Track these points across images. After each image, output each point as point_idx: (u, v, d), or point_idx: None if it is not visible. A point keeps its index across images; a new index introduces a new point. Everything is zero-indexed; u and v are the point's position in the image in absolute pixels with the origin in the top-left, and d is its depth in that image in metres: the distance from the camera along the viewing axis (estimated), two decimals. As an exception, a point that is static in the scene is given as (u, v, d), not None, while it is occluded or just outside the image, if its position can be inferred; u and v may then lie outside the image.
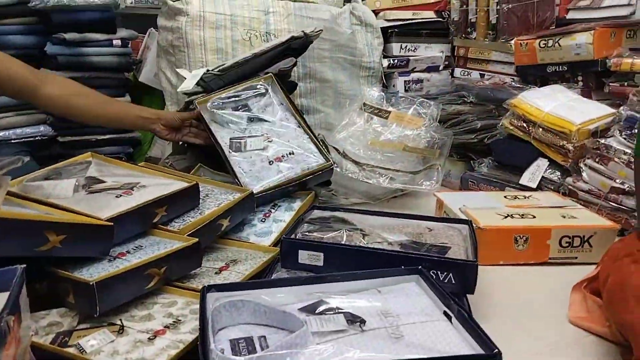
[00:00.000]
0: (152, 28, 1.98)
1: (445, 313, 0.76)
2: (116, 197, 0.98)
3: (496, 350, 0.65)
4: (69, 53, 1.69)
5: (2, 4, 1.62)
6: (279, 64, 1.47)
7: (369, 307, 0.78)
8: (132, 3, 2.09)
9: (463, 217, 1.24)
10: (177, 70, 1.60)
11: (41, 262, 0.82)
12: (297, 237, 1.04)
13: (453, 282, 0.93)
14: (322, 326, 0.71)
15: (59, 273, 0.80)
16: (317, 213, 1.20)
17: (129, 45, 1.84)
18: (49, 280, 0.82)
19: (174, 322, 0.81)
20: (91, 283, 0.76)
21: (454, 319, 0.75)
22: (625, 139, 1.37)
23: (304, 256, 0.99)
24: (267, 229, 1.20)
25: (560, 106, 1.54)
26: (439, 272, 0.93)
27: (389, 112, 1.63)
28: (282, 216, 1.24)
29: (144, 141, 1.90)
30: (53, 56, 1.67)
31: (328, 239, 1.04)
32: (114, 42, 1.77)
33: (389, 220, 1.17)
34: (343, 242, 1.02)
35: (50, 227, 0.75)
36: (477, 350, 0.68)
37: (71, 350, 0.73)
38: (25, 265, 0.65)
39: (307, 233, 1.07)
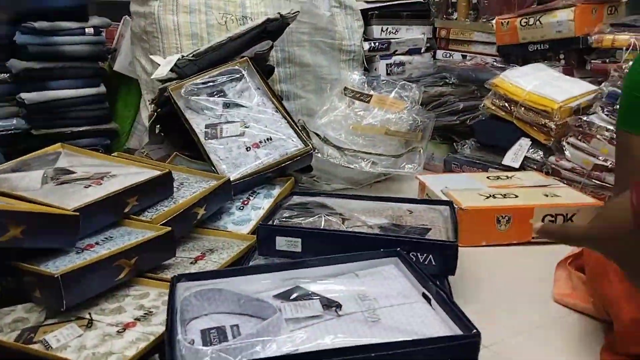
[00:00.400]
0: (126, 16, 1.92)
1: (423, 295, 0.75)
2: (85, 187, 0.95)
3: (475, 331, 0.63)
4: (39, 42, 1.64)
5: (-35, -8, 1.57)
6: (254, 47, 1.43)
7: (346, 291, 0.75)
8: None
9: (445, 199, 1.22)
10: (151, 57, 1.56)
11: (5, 256, 0.78)
12: (275, 224, 1.01)
13: (433, 263, 0.91)
14: (297, 312, 0.69)
15: (23, 267, 0.77)
16: (296, 199, 1.18)
17: (103, 34, 1.79)
18: (14, 275, 0.79)
19: (145, 314, 0.78)
20: (56, 276, 0.73)
21: (432, 301, 0.73)
22: (607, 115, 1.36)
23: (282, 242, 0.96)
24: (245, 217, 1.17)
25: (542, 84, 1.52)
26: (418, 254, 0.91)
27: (371, 96, 1.60)
28: (261, 203, 1.22)
29: (121, 132, 1.85)
30: (23, 46, 1.62)
31: (306, 224, 1.01)
32: (87, 30, 1.72)
33: (370, 203, 1.14)
34: (322, 227, 1.00)
35: (6, 217, 0.71)
36: (455, 331, 0.66)
37: (36, 346, 0.71)
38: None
39: (285, 219, 1.04)
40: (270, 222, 1.02)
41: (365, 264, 0.83)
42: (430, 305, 0.73)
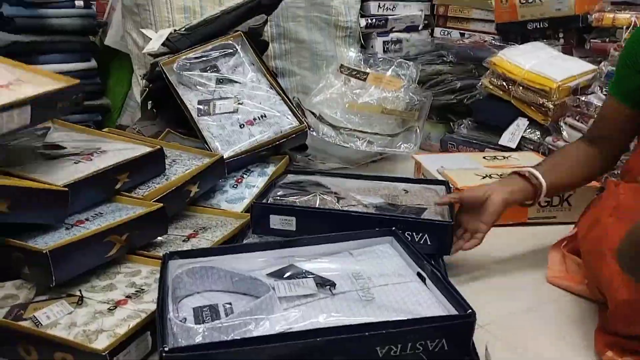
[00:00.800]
0: (117, -12, 1.87)
1: (418, 274, 0.74)
2: (75, 163, 0.93)
3: (470, 310, 0.62)
4: (27, 15, 1.59)
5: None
6: (249, 21, 1.40)
7: (340, 270, 0.75)
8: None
9: (441, 178, 1.21)
10: (142, 30, 1.52)
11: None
12: (269, 202, 1.00)
13: (429, 243, 0.90)
14: (291, 291, 0.68)
15: (12, 242, 0.75)
16: (290, 177, 1.16)
17: (93, 7, 1.74)
18: (3, 251, 0.77)
19: (136, 291, 0.77)
20: (45, 252, 0.71)
21: (427, 280, 0.72)
22: (605, 95, 1.34)
23: (276, 221, 0.95)
24: (239, 195, 1.16)
25: (541, 63, 1.50)
26: (414, 234, 0.90)
27: (367, 73, 1.58)
28: (255, 182, 1.20)
29: (113, 108, 1.82)
30: (10, 18, 1.57)
31: (301, 202, 1.00)
32: (76, 2, 1.67)
33: (365, 183, 1.13)
34: (316, 206, 0.99)
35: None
36: (450, 311, 0.65)
37: (26, 323, 0.69)
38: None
39: (279, 198, 1.03)
40: (264, 201, 1.00)
41: (360, 242, 0.82)
42: (425, 284, 0.72)
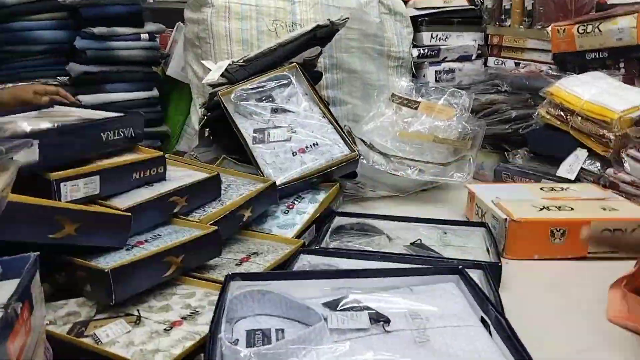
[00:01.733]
0: (179, 22, 1.98)
1: (482, 319, 0.71)
2: (137, 186, 0.97)
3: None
4: (97, 47, 1.71)
5: (30, 0, 1.64)
6: (303, 53, 1.44)
7: (397, 306, 0.72)
8: (159, -3, 2.10)
9: (496, 210, 1.18)
10: (202, 62, 1.59)
11: (59, 251, 0.81)
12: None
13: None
14: (343, 323, 0.68)
15: (75, 261, 0.79)
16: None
17: (157, 39, 1.84)
18: (67, 270, 0.82)
19: (191, 313, 0.79)
20: (107, 271, 0.75)
21: (491, 327, 0.69)
22: (671, 126, 1.29)
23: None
24: (290, 221, 1.17)
25: (601, 93, 1.46)
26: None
27: (419, 102, 1.58)
28: (306, 208, 1.21)
29: (172, 135, 1.90)
30: (82, 50, 1.69)
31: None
32: (142, 36, 1.78)
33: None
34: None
35: (63, 214, 0.74)
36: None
37: (87, 340, 0.73)
38: (38, 253, 0.64)
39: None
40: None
41: (423, 279, 0.80)
42: (489, 332, 0.69)
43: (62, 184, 0.81)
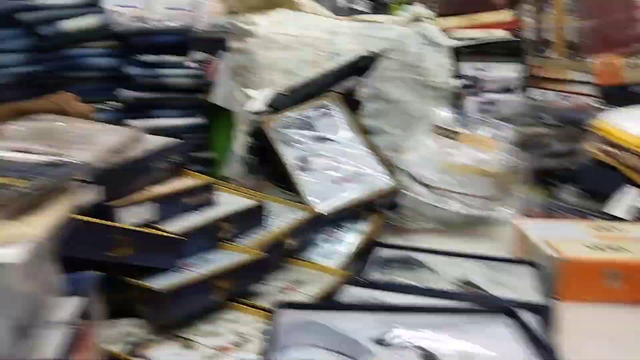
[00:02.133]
0: (225, 51, 2.03)
1: None
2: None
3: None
4: (145, 74, 1.77)
5: (84, 28, 1.72)
6: (344, 83, 1.47)
7: (447, 345, 0.71)
8: (206, 27, 2.17)
9: (546, 247, 1.15)
10: (247, 90, 1.63)
11: (113, 271, 0.84)
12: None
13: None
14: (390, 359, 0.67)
15: (129, 281, 0.82)
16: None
17: (203, 68, 1.90)
18: (121, 289, 0.84)
19: (240, 340, 0.80)
20: (162, 291, 0.77)
21: None
22: None
23: None
24: (332, 250, 1.18)
25: (650, 128, 1.43)
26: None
27: (460, 133, 1.58)
28: (347, 237, 1.22)
29: (217, 161, 1.94)
30: (131, 77, 1.76)
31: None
32: (189, 64, 1.84)
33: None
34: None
35: (121, 233, 0.76)
36: None
37: (138, 361, 0.74)
38: (101, 273, 0.66)
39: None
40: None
41: (472, 318, 0.78)
42: None
43: (120, 210, 0.84)
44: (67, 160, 0.78)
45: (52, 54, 1.67)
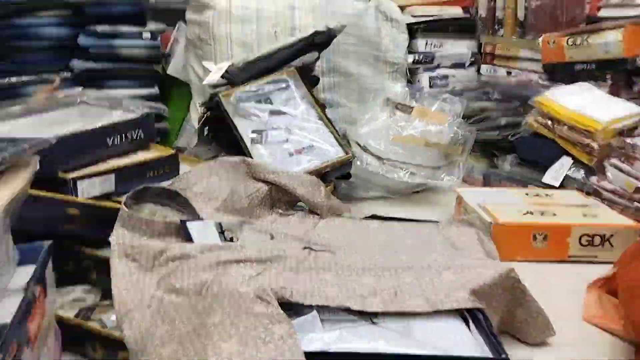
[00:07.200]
0: (181, 22, 2.02)
1: (461, 315, 0.75)
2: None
3: (504, 355, 0.65)
4: (100, 45, 1.74)
5: (37, -4, 1.68)
6: (302, 58, 1.49)
7: None
8: (162, -3, 2.13)
9: (482, 212, 1.24)
10: (203, 63, 1.64)
11: (67, 241, 0.86)
12: None
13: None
14: None
15: (83, 251, 0.84)
16: None
17: (158, 39, 1.88)
18: (75, 259, 0.86)
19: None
20: (113, 261, 0.79)
21: (470, 322, 0.74)
22: (652, 137, 1.35)
23: None
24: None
25: (587, 104, 1.52)
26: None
27: (413, 107, 1.63)
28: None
29: (171, 132, 1.94)
30: (85, 48, 1.73)
31: None
32: (144, 34, 1.81)
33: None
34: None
35: (71, 206, 0.79)
36: (485, 353, 0.67)
37: (93, 324, 0.77)
38: (52, 242, 0.68)
39: None
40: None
41: None
42: (468, 327, 0.73)
43: (78, 182, 0.85)
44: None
45: (1, 22, 1.63)
